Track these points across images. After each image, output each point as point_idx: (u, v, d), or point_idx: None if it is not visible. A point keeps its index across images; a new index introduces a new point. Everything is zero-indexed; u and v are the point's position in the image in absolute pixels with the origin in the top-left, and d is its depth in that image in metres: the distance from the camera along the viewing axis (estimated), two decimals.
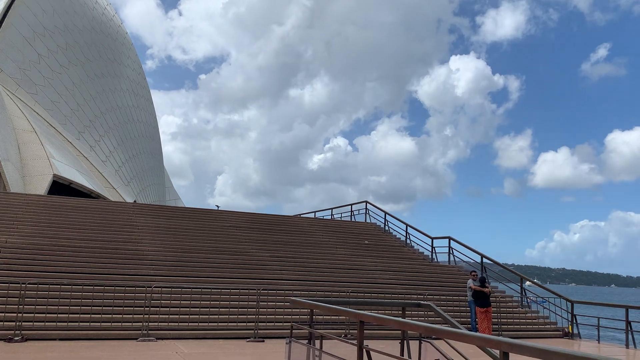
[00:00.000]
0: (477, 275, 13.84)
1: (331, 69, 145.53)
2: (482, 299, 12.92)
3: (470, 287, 13.24)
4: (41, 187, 27.92)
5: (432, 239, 19.16)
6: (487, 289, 13.06)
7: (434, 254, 19.18)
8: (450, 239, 18.57)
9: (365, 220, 22.85)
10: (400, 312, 6.97)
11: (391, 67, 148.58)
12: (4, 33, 37.06)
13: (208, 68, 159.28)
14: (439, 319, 8.99)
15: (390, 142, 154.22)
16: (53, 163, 30.24)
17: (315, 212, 27.07)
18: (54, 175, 28.95)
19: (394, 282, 15.30)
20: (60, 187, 29.12)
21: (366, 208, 23.02)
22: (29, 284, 9.63)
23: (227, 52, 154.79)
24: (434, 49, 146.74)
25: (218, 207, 32.06)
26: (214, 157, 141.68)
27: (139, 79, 52.64)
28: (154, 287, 10.73)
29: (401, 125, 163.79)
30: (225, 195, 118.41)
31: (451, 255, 18.59)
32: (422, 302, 8.18)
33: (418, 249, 19.94)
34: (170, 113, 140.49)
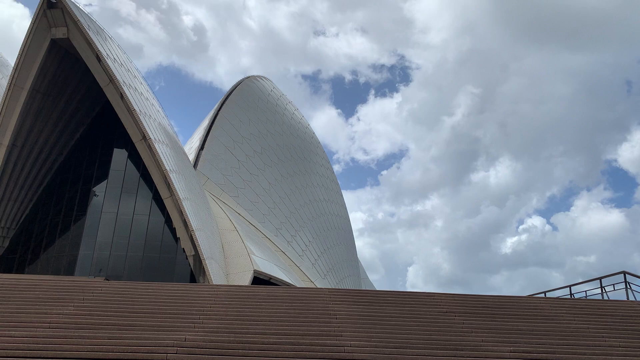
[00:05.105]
0: None
1: (510, 148, 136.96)
2: None
3: None
4: (243, 283, 27.61)
5: None
6: None
7: None
8: None
9: (627, 298, 16.91)
10: None
11: (578, 138, 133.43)
12: (209, 145, 40.60)
13: (388, 164, 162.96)
14: None
15: (593, 217, 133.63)
16: (253, 259, 30.18)
17: (545, 292, 21.67)
18: (255, 271, 28.60)
19: None
20: (261, 283, 28.47)
21: (625, 282, 17.15)
22: None
23: (406, 147, 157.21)
24: (627, 112, 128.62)
25: None
26: (402, 248, 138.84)
27: (327, 174, 53.59)
28: None
29: (605, 198, 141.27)
30: (417, 286, 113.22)
31: None
32: None
33: None
34: (358, 210, 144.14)
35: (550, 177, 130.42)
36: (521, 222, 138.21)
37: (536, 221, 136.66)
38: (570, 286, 20.13)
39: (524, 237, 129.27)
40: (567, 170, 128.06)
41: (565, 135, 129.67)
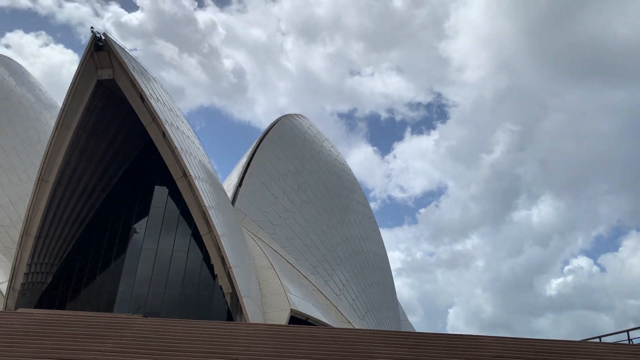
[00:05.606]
0: None
1: (552, 186, 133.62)
2: None
3: None
4: (279, 322, 27.06)
5: None
6: None
7: None
8: None
9: None
10: None
11: (624, 176, 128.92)
12: (247, 182, 40.83)
13: (426, 202, 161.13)
14: None
15: None
16: (290, 298, 29.63)
17: (600, 337, 20.31)
18: (292, 310, 28.02)
19: None
20: (298, 323, 27.84)
21: None
22: None
23: (444, 184, 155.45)
24: None
25: None
26: (442, 289, 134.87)
27: (365, 211, 52.85)
28: None
29: None
30: (458, 329, 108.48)
31: None
32: None
33: None
34: (395, 249, 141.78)
35: (596, 216, 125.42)
36: (566, 262, 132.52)
37: (582, 262, 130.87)
38: (628, 331, 18.83)
39: (569, 278, 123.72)
40: (614, 209, 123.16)
41: (609, 173, 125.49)
